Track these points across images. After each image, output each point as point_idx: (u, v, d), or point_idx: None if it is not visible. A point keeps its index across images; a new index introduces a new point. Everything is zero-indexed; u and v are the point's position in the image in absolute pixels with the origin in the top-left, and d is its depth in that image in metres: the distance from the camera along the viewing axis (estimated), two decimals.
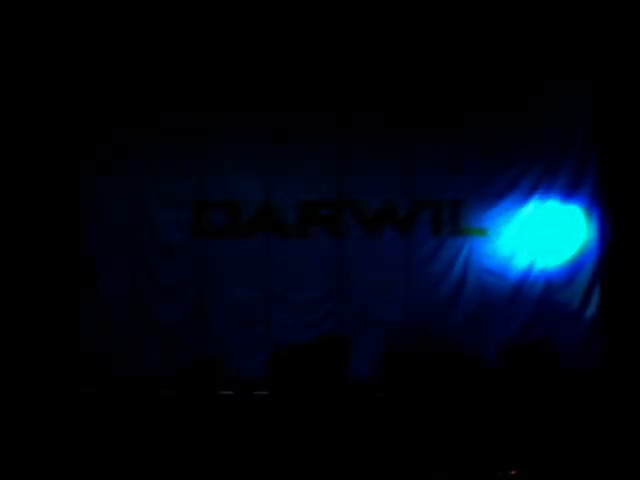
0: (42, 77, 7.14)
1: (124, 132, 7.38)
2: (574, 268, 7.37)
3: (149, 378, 6.69)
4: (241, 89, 7.42)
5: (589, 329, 7.27)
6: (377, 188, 7.44)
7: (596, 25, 7.07)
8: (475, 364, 6.68)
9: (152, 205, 7.40)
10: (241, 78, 7.41)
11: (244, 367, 6.97)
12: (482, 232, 7.48)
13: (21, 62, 7.05)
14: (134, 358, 7.05)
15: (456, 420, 5.83)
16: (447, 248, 7.47)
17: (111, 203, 7.35)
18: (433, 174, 7.46)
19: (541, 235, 7.46)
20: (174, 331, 7.18)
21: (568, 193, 7.45)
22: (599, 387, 6.55)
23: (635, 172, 7.20)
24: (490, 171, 7.50)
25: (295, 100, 7.44)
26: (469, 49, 7.23)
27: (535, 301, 7.36)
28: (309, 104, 7.44)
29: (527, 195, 7.49)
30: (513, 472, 4.97)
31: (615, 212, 7.25)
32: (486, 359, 6.88)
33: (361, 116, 7.41)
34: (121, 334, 7.17)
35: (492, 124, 7.45)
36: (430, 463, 5.18)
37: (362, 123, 7.40)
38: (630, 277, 7.13)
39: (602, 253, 7.32)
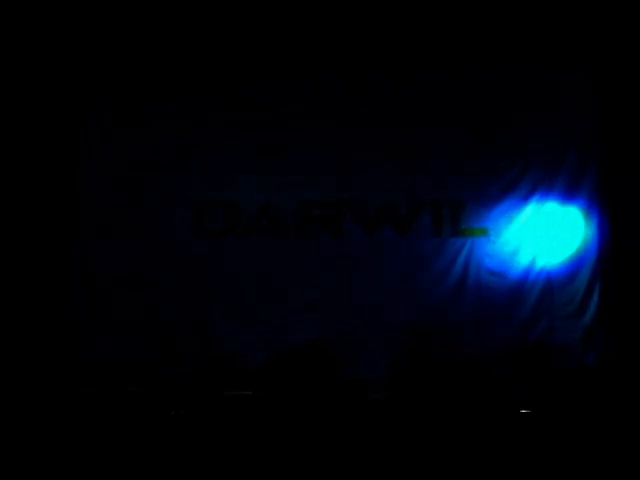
0: (42, 70, 7.15)
1: (124, 130, 7.40)
2: (574, 268, 7.37)
3: (149, 378, 6.70)
4: (241, 88, 7.43)
5: (589, 329, 7.27)
6: (377, 188, 7.44)
7: (598, 22, 7.05)
8: (475, 365, 6.68)
9: (152, 204, 7.40)
10: (241, 78, 7.42)
11: (244, 367, 6.96)
12: (483, 232, 7.48)
13: (21, 53, 7.06)
14: (134, 358, 7.05)
15: (456, 421, 5.82)
16: (447, 248, 7.47)
17: (111, 202, 7.36)
18: (433, 174, 7.46)
19: (541, 235, 7.46)
20: (174, 331, 7.18)
21: (568, 193, 7.44)
22: (599, 387, 6.54)
23: (635, 172, 7.19)
24: (490, 171, 7.50)
25: (296, 100, 7.45)
26: (469, 48, 7.22)
27: (535, 301, 7.36)
28: (309, 104, 7.44)
29: (527, 195, 7.49)
30: None
31: (615, 212, 7.25)
32: (486, 360, 6.88)
33: (361, 116, 7.42)
34: (121, 334, 7.18)
35: (492, 124, 7.45)
36: (431, 465, 5.17)
37: (362, 123, 7.41)
38: (630, 277, 7.13)
39: (602, 253, 7.32)
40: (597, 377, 6.81)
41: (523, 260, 7.44)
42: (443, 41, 7.20)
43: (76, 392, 6.45)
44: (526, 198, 7.49)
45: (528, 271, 7.42)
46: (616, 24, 7.05)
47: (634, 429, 5.59)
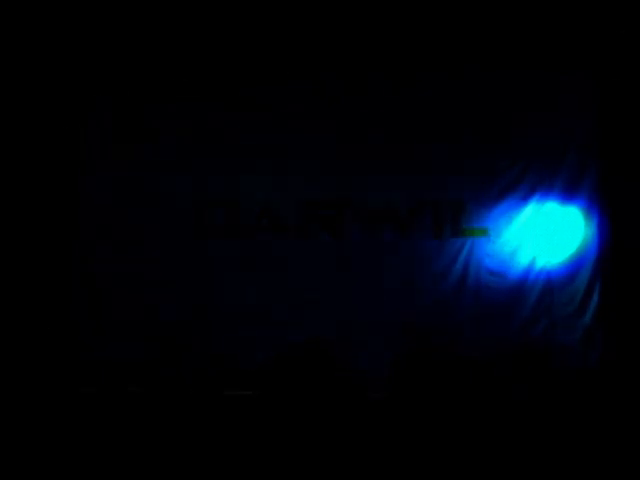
0: (43, 71, 7.16)
1: (124, 130, 7.40)
2: (574, 268, 7.37)
3: (149, 378, 6.71)
4: (241, 88, 7.43)
5: (589, 328, 7.26)
6: (377, 188, 7.44)
7: (599, 20, 7.05)
8: (475, 365, 6.68)
9: (152, 204, 7.40)
10: (241, 77, 7.43)
11: (244, 367, 6.97)
12: (483, 232, 7.48)
13: (21, 53, 7.06)
14: (134, 358, 7.04)
15: (456, 421, 5.82)
16: (448, 248, 7.47)
17: (111, 202, 7.36)
18: (433, 174, 7.46)
19: (541, 235, 7.46)
20: (174, 331, 7.17)
21: (568, 193, 7.44)
22: (599, 387, 6.54)
23: (635, 172, 7.20)
24: (491, 171, 7.50)
25: (296, 100, 7.45)
26: (469, 48, 7.22)
27: (535, 301, 7.36)
28: (309, 104, 7.45)
29: (528, 195, 7.49)
30: None
31: (615, 212, 7.26)
32: (486, 360, 6.88)
33: (361, 116, 7.42)
34: (121, 334, 7.18)
35: (492, 124, 7.46)
36: (431, 465, 5.18)
37: (362, 123, 7.42)
38: (630, 277, 7.13)
39: (602, 253, 7.33)
40: (597, 377, 6.82)
41: (523, 260, 7.44)
42: (443, 41, 7.21)
43: (76, 392, 6.46)
44: (526, 198, 7.49)
45: (528, 271, 7.42)
46: (616, 24, 7.05)
47: (634, 428, 5.59)
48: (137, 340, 7.11)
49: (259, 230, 7.44)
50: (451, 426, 5.76)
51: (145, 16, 6.99)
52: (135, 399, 6.28)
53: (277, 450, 5.32)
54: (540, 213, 7.48)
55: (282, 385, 6.37)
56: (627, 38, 7.11)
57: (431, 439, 5.53)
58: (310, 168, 7.43)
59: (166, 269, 7.30)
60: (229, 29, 7.15)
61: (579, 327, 7.28)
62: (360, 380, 6.56)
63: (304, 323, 7.16)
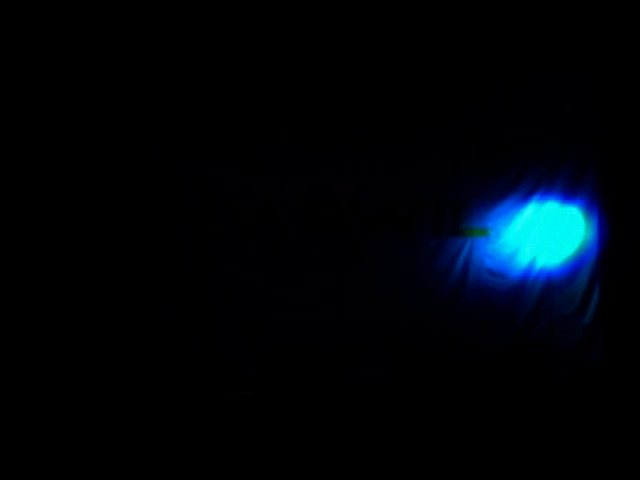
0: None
1: (125, 129, 7.41)
2: (574, 268, 7.38)
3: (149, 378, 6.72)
4: (242, 90, 7.44)
5: (589, 329, 7.27)
6: (377, 188, 7.44)
7: (599, 20, 7.06)
8: (474, 365, 6.69)
9: (152, 203, 7.40)
10: (243, 80, 7.44)
11: (244, 368, 6.98)
12: (483, 232, 7.49)
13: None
14: (134, 359, 7.05)
15: (455, 421, 5.83)
16: (448, 248, 7.47)
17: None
18: (433, 174, 7.46)
19: (541, 235, 7.47)
20: (173, 331, 7.18)
21: (568, 193, 7.45)
22: (599, 387, 6.55)
23: (635, 172, 7.20)
24: (491, 171, 7.50)
25: (296, 102, 7.46)
26: (469, 48, 7.23)
27: (535, 301, 7.37)
28: (310, 106, 7.45)
29: (527, 195, 7.50)
30: None
31: (615, 212, 7.26)
32: (485, 360, 6.89)
33: (361, 117, 7.42)
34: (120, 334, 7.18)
35: (492, 124, 7.46)
36: (431, 465, 5.19)
37: (362, 123, 7.42)
38: (630, 277, 7.14)
39: (602, 253, 7.33)
40: (597, 377, 6.82)
41: (523, 260, 7.45)
42: (443, 41, 7.21)
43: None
44: (526, 198, 7.50)
45: (528, 271, 7.42)
46: (616, 24, 7.06)
47: (634, 428, 5.60)
48: (136, 340, 7.13)
49: (259, 230, 7.43)
50: (450, 426, 5.77)
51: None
52: (135, 399, 6.30)
53: (277, 450, 5.32)
54: (540, 213, 7.49)
55: (282, 386, 6.37)
56: (627, 38, 7.11)
57: (430, 439, 5.53)
58: (310, 168, 7.43)
59: (166, 269, 7.31)
60: (232, 34, 7.19)
61: (579, 327, 7.29)
62: (360, 381, 6.56)
63: (305, 323, 7.17)
